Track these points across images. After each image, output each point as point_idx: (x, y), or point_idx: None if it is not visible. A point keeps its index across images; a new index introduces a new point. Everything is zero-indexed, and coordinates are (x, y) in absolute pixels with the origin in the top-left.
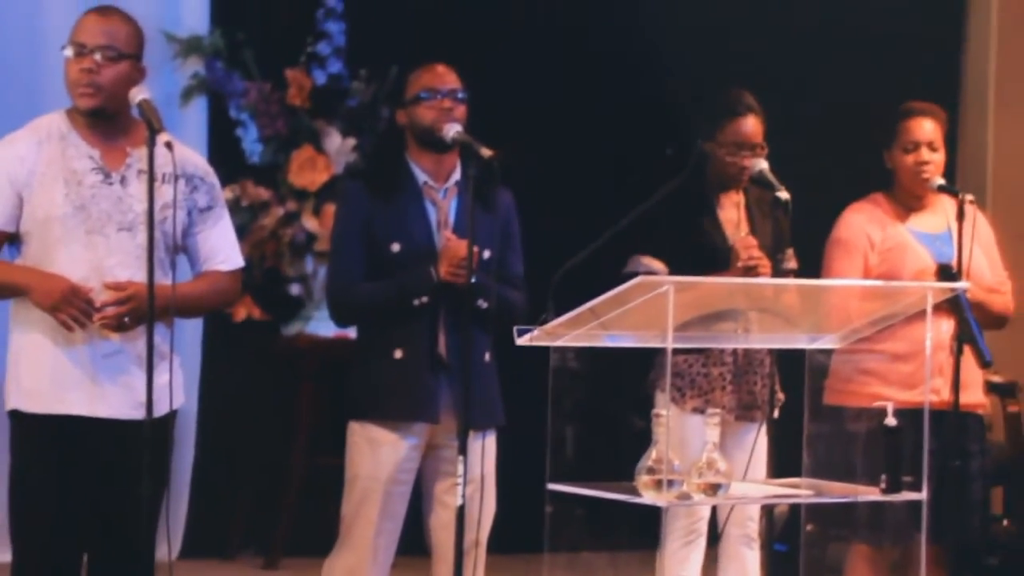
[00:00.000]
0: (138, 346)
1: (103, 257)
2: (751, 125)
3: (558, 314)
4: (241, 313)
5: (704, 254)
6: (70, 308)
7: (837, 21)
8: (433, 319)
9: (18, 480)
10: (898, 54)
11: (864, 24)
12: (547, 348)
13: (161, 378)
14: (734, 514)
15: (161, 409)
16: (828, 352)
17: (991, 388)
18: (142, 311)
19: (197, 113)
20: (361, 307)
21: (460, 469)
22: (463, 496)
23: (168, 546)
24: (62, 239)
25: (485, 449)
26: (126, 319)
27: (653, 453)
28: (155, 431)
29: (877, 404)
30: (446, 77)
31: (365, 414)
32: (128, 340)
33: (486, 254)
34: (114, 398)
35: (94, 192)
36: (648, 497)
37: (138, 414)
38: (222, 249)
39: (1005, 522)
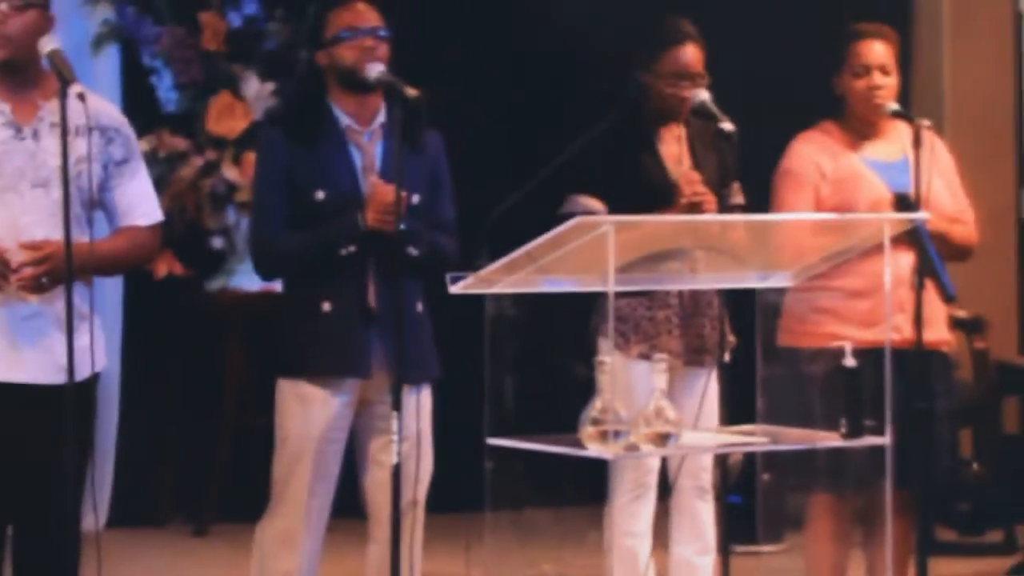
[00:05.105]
0: (57, 307)
1: (18, 215)
2: (690, 54)
3: (493, 260)
4: (162, 269)
5: (645, 191)
6: None
7: None
8: (362, 269)
9: None
10: None
11: None
12: (483, 296)
13: (81, 340)
14: (685, 465)
15: (83, 373)
16: (780, 291)
17: (956, 324)
18: (60, 271)
19: (109, 62)
20: (286, 259)
21: (395, 426)
22: (399, 454)
23: (95, 515)
24: None
25: (420, 404)
26: (44, 280)
27: (597, 403)
28: (77, 396)
29: (834, 344)
30: (367, 15)
31: (294, 371)
32: (46, 301)
33: (415, 199)
34: (34, 362)
35: (6, 148)
36: (593, 449)
37: (59, 378)
38: (140, 203)
39: (975, 466)
